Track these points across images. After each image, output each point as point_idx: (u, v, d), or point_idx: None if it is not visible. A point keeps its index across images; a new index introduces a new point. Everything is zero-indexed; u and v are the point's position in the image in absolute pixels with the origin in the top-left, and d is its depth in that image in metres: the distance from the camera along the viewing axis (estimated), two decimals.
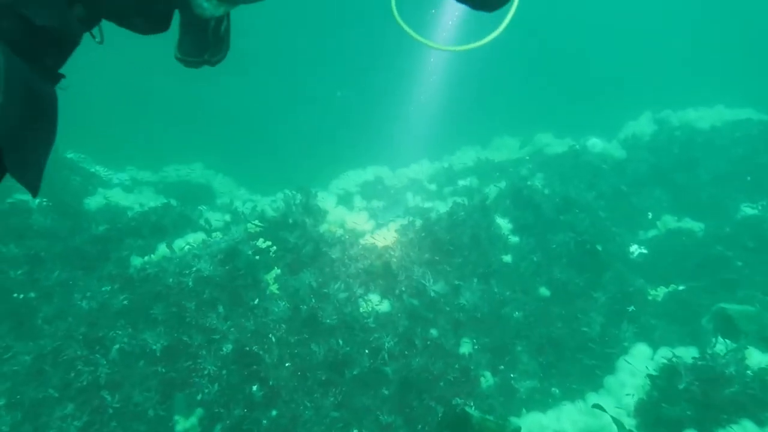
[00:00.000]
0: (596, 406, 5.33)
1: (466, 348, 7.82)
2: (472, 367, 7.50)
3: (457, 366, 7.42)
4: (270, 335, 7.53)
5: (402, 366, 7.33)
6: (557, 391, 7.94)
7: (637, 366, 6.13)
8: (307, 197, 9.29)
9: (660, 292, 8.76)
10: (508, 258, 9.29)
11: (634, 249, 9.73)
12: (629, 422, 5.30)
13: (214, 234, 8.57)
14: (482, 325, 8.42)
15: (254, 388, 6.95)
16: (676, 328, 8.23)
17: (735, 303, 7.91)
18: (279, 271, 8.45)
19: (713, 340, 7.62)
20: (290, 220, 8.95)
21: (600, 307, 8.51)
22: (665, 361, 5.89)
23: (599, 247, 8.96)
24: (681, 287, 8.83)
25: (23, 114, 1.43)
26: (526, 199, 10.39)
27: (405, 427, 6.81)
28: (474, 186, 11.99)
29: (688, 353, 5.97)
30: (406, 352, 7.41)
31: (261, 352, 7.28)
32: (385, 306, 7.93)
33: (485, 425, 4.88)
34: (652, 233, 10.18)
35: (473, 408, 5.31)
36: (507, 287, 8.74)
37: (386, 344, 7.48)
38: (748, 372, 5.37)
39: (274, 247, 8.65)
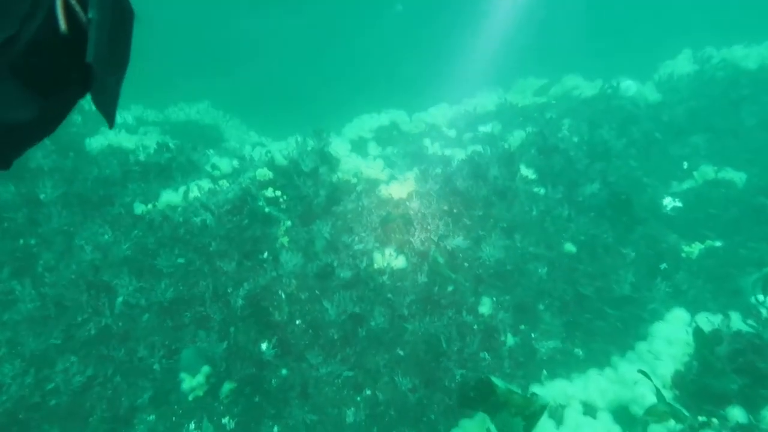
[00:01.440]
0: (641, 372, 4.82)
1: (486, 307, 7.38)
2: (493, 327, 7.08)
3: (476, 327, 7.01)
4: (280, 291, 7.15)
5: (419, 325, 6.94)
6: (580, 352, 7.54)
7: (673, 331, 5.64)
8: (320, 143, 8.67)
9: (695, 249, 8.16)
10: (532, 211, 8.70)
11: (668, 202, 9.04)
12: (665, 395, 4.87)
13: (221, 181, 8.05)
14: (503, 282, 7.96)
15: (263, 346, 6.62)
16: (712, 288, 7.69)
17: None
18: (290, 222, 7.98)
19: (759, 302, 7.11)
20: (302, 168, 8.38)
21: (629, 265, 7.96)
22: (705, 326, 5.38)
23: (630, 200, 8.30)
24: (718, 243, 8.21)
25: (110, 31, 1.30)
26: (552, 147, 9.66)
27: (423, 389, 6.48)
28: (496, 132, 11.22)
29: (729, 318, 5.44)
30: (423, 311, 6.99)
31: (271, 309, 6.92)
32: (401, 261, 7.46)
33: (511, 399, 4.48)
34: (687, 184, 9.44)
35: (497, 376, 4.91)
36: (531, 242, 8.19)
37: (402, 301, 7.06)
38: None
39: (285, 197, 8.13)
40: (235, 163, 8.83)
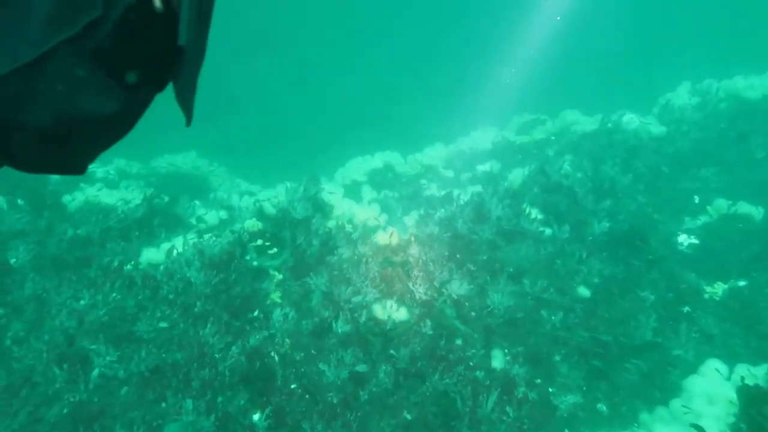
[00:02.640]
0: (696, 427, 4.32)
1: (498, 360, 6.94)
2: (507, 383, 6.62)
3: (489, 383, 6.55)
4: (272, 353, 6.70)
5: (426, 384, 6.47)
6: (605, 408, 7.07)
7: (711, 386, 5.20)
8: (311, 189, 8.39)
9: (718, 289, 7.81)
10: (541, 253, 8.36)
11: (683, 239, 8.75)
12: None
13: (207, 235, 7.70)
14: (515, 332, 7.54)
15: (255, 417, 6.12)
16: (740, 332, 7.30)
17: None
18: (281, 276, 7.60)
19: None
20: (294, 216, 8.06)
21: (650, 309, 7.59)
22: (748, 380, 4.98)
23: (646, 238, 7.99)
24: (742, 283, 7.87)
25: (198, 14, 1.20)
26: (556, 185, 9.43)
27: None
28: (495, 171, 11.02)
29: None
30: (430, 367, 6.54)
31: (262, 373, 6.45)
32: (403, 313, 7.05)
33: None
34: (702, 220, 9.18)
35: None
36: (541, 287, 7.82)
37: (407, 358, 6.62)
38: None
39: (275, 249, 7.78)
40: (223, 214, 8.52)
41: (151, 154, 11.12)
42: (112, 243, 7.51)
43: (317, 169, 9.55)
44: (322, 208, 8.49)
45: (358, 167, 11.04)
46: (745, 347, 7.08)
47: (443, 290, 7.72)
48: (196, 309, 6.76)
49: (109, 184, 9.55)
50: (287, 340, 6.95)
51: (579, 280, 8.01)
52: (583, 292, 7.83)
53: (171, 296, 6.76)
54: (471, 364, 6.69)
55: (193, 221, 8.08)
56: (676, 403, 5.50)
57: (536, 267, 8.23)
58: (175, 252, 7.18)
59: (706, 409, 4.97)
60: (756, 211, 8.64)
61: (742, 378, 5.32)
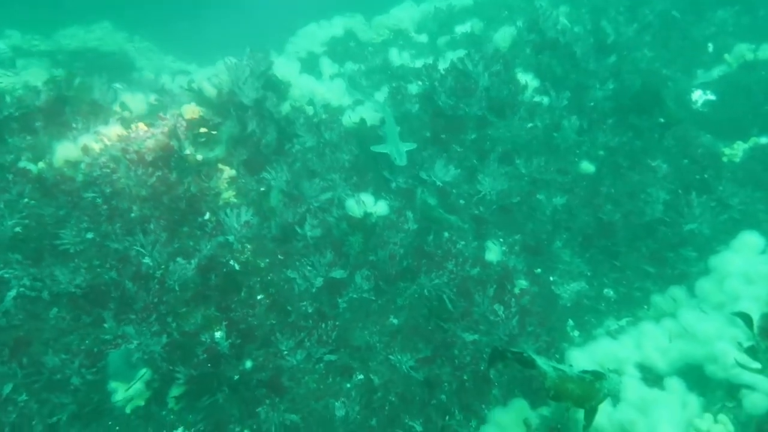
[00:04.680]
0: (740, 315, 3.89)
1: (493, 253, 6.48)
2: (504, 277, 6.21)
3: (483, 278, 6.12)
4: (231, 261, 6.06)
5: (413, 286, 6.01)
6: (612, 293, 6.81)
7: (748, 263, 4.81)
8: (260, 65, 7.33)
9: (738, 150, 7.32)
10: (536, 127, 7.67)
11: (698, 96, 8.11)
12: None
13: (135, 125, 6.70)
14: (510, 219, 7.04)
15: (217, 334, 5.60)
16: (762, 196, 6.95)
17: None
18: (234, 171, 6.78)
19: None
20: (240, 100, 7.09)
21: (661, 180, 7.12)
22: None
23: (660, 97, 7.33)
24: (764, 140, 7.38)
25: None
26: (551, 43, 8.51)
27: (427, 365, 5.62)
28: (478, 31, 9.97)
29: None
30: (415, 267, 6.04)
31: (222, 285, 5.85)
32: (382, 207, 6.41)
33: (566, 389, 3.60)
34: (718, 71, 8.50)
35: (530, 350, 4.02)
36: (539, 166, 7.23)
37: (389, 259, 6.09)
38: None
39: (223, 139, 6.88)
40: (152, 98, 7.44)
41: (52, 26, 9.54)
42: (15, 138, 6.45)
43: (264, 39, 8.37)
44: (275, 88, 7.50)
45: (313, 36, 9.85)
46: (767, 213, 6.77)
47: (426, 178, 7.08)
48: (132, 215, 5.97)
49: (3, 64, 8.20)
50: (248, 245, 6.30)
51: (581, 154, 7.43)
52: (587, 167, 7.28)
53: (99, 200, 5.92)
54: (462, 259, 6.20)
55: (116, 108, 7.01)
56: (705, 284, 5.15)
57: (532, 143, 7.59)
58: (97, 147, 6.22)
59: (744, 289, 4.61)
60: None
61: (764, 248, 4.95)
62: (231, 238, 6.14)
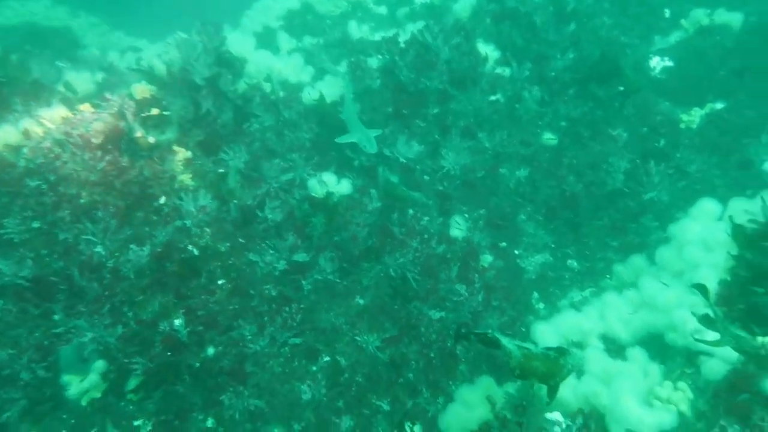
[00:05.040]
0: (697, 287, 3.94)
1: (457, 229, 6.43)
2: (469, 253, 6.18)
3: (449, 256, 6.08)
4: (189, 246, 5.87)
5: (377, 265, 5.93)
6: (575, 264, 6.86)
7: (708, 230, 4.84)
8: (213, 41, 7.04)
9: (695, 116, 7.38)
10: (498, 98, 7.60)
11: (656, 63, 8.12)
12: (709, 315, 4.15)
13: (82, 106, 6.38)
14: (474, 194, 7.00)
15: (176, 321, 5.44)
16: (718, 161, 7.06)
17: None
18: (189, 153, 6.54)
19: None
20: (193, 78, 6.81)
21: (621, 149, 7.15)
22: (742, 217, 4.63)
23: (619, 67, 7.32)
24: (720, 105, 7.45)
25: None
26: (511, 12, 8.40)
27: (394, 344, 5.58)
28: (438, 2, 9.78)
29: (754, 202, 4.65)
30: (380, 247, 5.95)
31: (180, 271, 5.67)
32: (345, 186, 6.28)
33: (532, 366, 3.58)
34: (675, 37, 8.52)
35: (495, 330, 4.00)
36: (502, 139, 7.18)
37: (353, 238, 5.99)
38: None
39: (176, 119, 6.62)
40: (99, 77, 7.10)
41: None
42: None
43: (218, 13, 8.05)
44: (230, 65, 7.23)
45: (269, 9, 9.52)
46: (723, 178, 6.87)
47: (389, 154, 6.96)
48: (81, 201, 5.70)
49: None
50: (207, 229, 6.11)
51: (543, 125, 7.40)
52: (549, 138, 7.26)
53: (44, 187, 5.63)
54: (427, 236, 6.15)
55: (60, 88, 6.65)
56: (665, 252, 5.19)
57: (494, 116, 7.53)
58: (39, 130, 5.90)
59: (703, 256, 4.66)
60: (735, 19, 8.05)
61: (730, 217, 5.01)
62: (188, 222, 5.94)
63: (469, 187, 7.03)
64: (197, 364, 5.34)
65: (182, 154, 6.49)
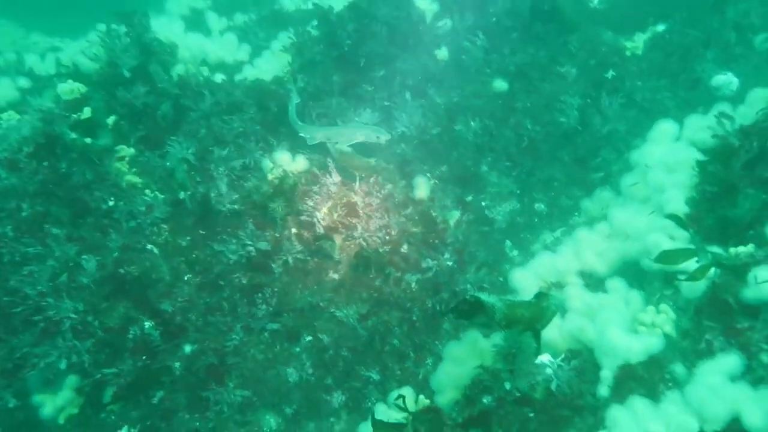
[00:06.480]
0: (672, 217, 3.92)
1: (421, 189, 6.30)
2: (434, 213, 6.09)
3: (417, 218, 5.97)
4: (149, 246, 5.62)
5: (345, 238, 5.78)
6: (543, 206, 6.86)
7: (669, 152, 4.84)
8: (137, 29, 6.66)
9: (639, 42, 7.40)
10: (443, 52, 7.45)
11: None
12: (681, 235, 4.16)
13: (5, 114, 5.98)
14: (433, 151, 6.88)
15: (147, 324, 5.23)
16: (667, 84, 7.11)
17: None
18: (132, 149, 6.23)
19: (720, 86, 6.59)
20: (123, 72, 6.46)
21: (573, 85, 7.12)
22: (701, 134, 4.64)
23: (556, 4, 7.26)
24: (661, 27, 7.47)
25: None
26: None
27: (375, 314, 5.48)
28: None
29: (728, 118, 4.66)
30: (344, 220, 5.79)
31: (142, 273, 5.43)
32: (301, 163, 6.07)
33: (517, 314, 3.53)
34: None
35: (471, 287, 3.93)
36: (452, 92, 7.06)
37: (316, 215, 5.81)
38: None
39: (112, 117, 6.28)
40: (23, 82, 6.66)
41: None
42: None
43: (138, 1, 7.61)
44: (160, 52, 6.87)
45: None
46: (675, 100, 6.93)
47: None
48: (23, 214, 5.37)
49: None
50: (164, 226, 5.85)
51: (492, 72, 7.28)
52: (500, 85, 7.16)
53: None
54: (394, 202, 6.02)
55: None
56: (629, 180, 5.21)
57: (442, 72, 7.39)
58: None
59: (667, 178, 4.66)
60: None
61: (687, 137, 5.03)
62: (143, 221, 5.68)
63: (428, 145, 6.90)
64: (176, 364, 5.16)
65: (125, 151, 6.18)
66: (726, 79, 6.58)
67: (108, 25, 6.47)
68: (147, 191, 5.87)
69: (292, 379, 5.26)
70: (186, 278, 5.61)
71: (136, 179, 5.99)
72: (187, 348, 5.26)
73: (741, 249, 3.93)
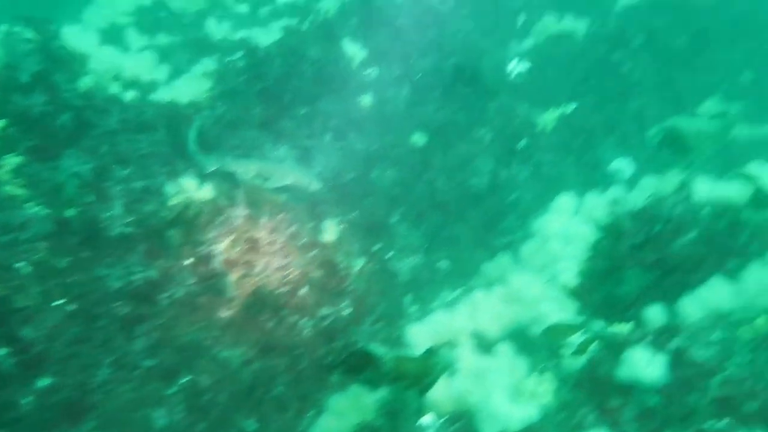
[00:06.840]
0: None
1: (330, 233, 6.18)
2: (339, 259, 5.97)
3: (321, 261, 5.83)
4: (18, 264, 5.11)
5: (243, 275, 5.53)
6: (446, 264, 6.90)
7: (568, 224, 5.04)
8: (44, 35, 6.28)
9: (550, 118, 7.81)
10: (367, 99, 7.52)
11: (513, 66, 8.51)
12: (570, 307, 4.27)
13: None
14: (346, 197, 6.82)
15: (1, 352, 4.69)
16: (572, 160, 7.49)
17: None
18: (20, 158, 5.75)
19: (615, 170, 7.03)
20: (23, 78, 6.04)
21: (487, 149, 7.35)
22: (597, 212, 4.86)
23: (478, 71, 7.57)
24: (571, 107, 7.93)
25: None
26: (378, 11, 8.36)
27: (260, 358, 5.22)
28: (301, 1, 9.54)
29: (620, 201, 4.95)
30: (245, 256, 5.56)
31: (5, 292, 4.91)
32: (206, 191, 5.80)
33: (404, 368, 3.43)
34: (528, 43, 9.03)
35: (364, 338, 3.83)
36: (372, 139, 7.09)
37: (216, 247, 5.54)
38: (702, 211, 4.51)
39: (4, 123, 5.82)
40: None
41: None
42: None
43: (56, 8, 7.25)
44: (67, 61, 6.49)
45: (116, 4, 8.75)
46: (576, 176, 7.30)
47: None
48: None
49: None
50: (42, 243, 5.36)
51: (412, 126, 7.41)
52: (419, 139, 7.27)
53: None
54: (299, 243, 5.85)
55: None
56: (529, 248, 5.34)
57: (364, 118, 7.43)
58: None
59: (563, 249, 4.81)
60: (579, 27, 8.67)
61: (585, 212, 5.24)
62: (18, 236, 5.18)
63: (341, 189, 6.84)
64: (27, 399, 4.63)
65: (11, 160, 5.69)
66: (622, 165, 7.05)
67: (11, 27, 6.08)
68: (29, 204, 5.39)
69: (160, 423, 4.85)
70: (58, 303, 5.12)
71: (18, 191, 5.50)
72: (44, 381, 4.75)
73: (622, 326, 4.05)
